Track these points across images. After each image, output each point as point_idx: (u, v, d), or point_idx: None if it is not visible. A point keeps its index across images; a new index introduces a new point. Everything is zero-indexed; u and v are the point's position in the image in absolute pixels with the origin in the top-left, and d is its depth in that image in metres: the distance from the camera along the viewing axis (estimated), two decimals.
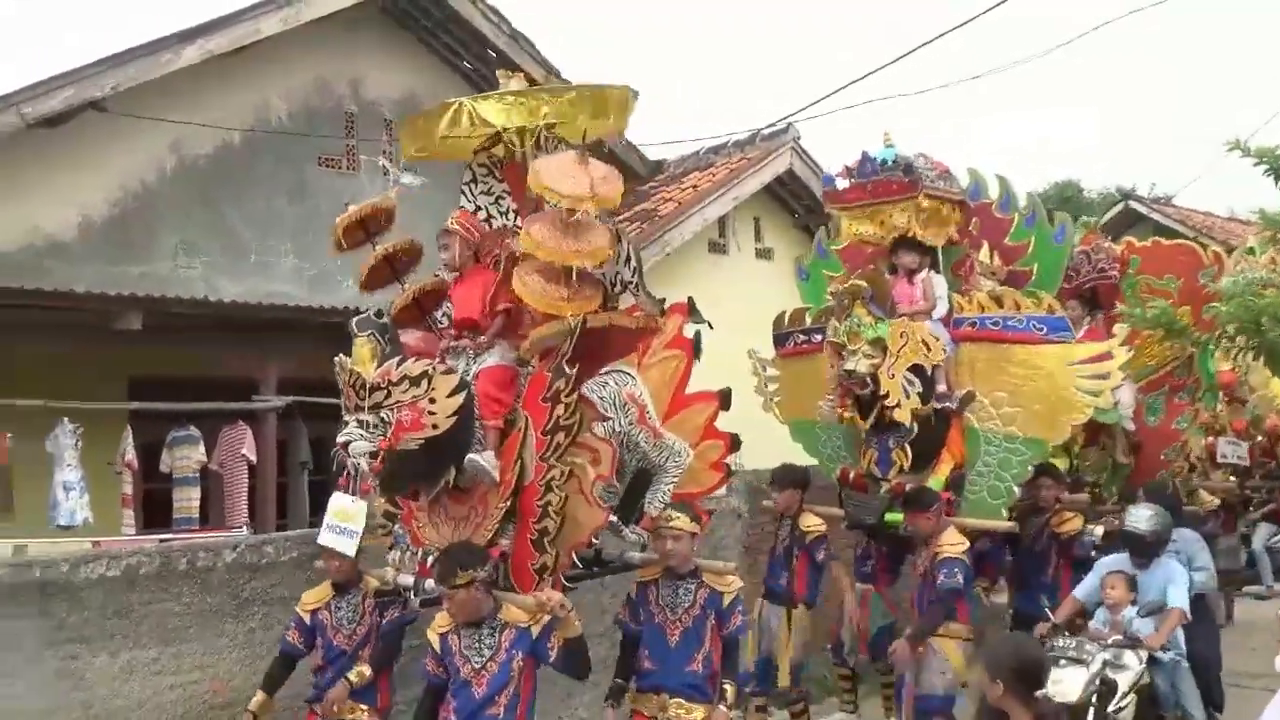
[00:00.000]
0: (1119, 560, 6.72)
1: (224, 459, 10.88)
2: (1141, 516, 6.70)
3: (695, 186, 13.47)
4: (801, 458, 8.04)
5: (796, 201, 14.24)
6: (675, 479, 5.81)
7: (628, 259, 5.57)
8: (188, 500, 10.56)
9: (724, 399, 6.26)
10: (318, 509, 11.15)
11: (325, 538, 5.89)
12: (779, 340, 8.27)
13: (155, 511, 11.00)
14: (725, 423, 6.26)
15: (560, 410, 5.09)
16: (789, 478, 7.51)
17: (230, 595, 6.57)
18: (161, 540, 8.24)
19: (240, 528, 10.34)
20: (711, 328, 6.16)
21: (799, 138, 13.82)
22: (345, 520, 5.81)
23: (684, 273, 12.82)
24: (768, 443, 7.97)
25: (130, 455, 10.30)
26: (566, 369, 5.12)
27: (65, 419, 9.74)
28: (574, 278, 5.25)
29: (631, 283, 5.60)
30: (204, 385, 10.66)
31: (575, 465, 5.21)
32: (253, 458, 10.76)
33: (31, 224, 10.71)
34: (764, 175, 13.66)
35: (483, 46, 12.94)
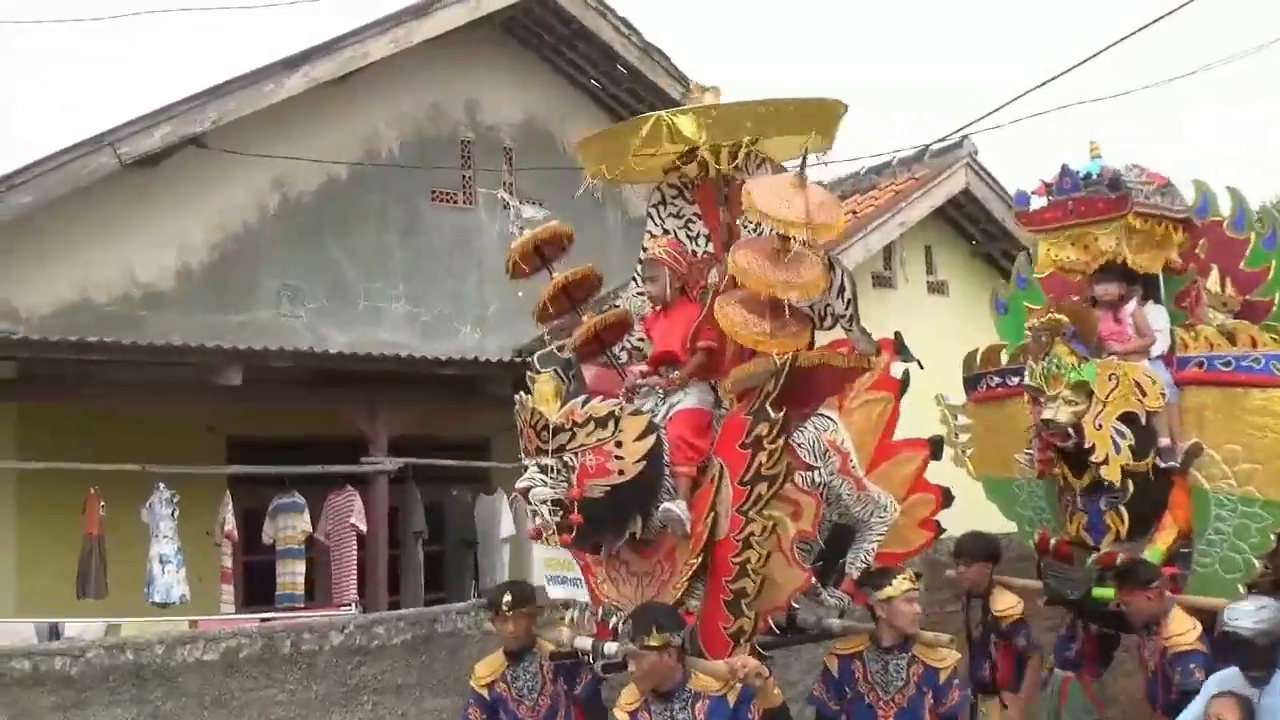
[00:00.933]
0: (1229, 678, 5.56)
1: (331, 528, 10.95)
2: (1244, 613, 5.48)
3: (855, 211, 13.39)
4: (996, 519, 7.83)
5: (974, 226, 13.99)
6: (880, 536, 5.87)
7: (841, 290, 5.61)
8: (291, 575, 10.65)
9: (935, 448, 6.28)
10: (434, 584, 11.59)
11: (555, 592, 5.99)
12: (970, 383, 8.05)
13: (256, 587, 11.11)
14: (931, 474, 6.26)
15: (763, 458, 5.17)
16: (978, 549, 7.29)
17: (338, 682, 6.64)
18: (263, 620, 8.38)
19: (348, 605, 10.39)
20: (922, 366, 6.17)
21: (975, 152, 13.57)
22: (562, 569, 5.90)
23: None
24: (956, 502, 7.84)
25: (230, 525, 10.44)
26: (771, 412, 5.17)
27: (161, 484, 9.93)
28: (782, 311, 5.34)
29: (844, 316, 5.62)
30: (308, 446, 10.77)
31: (775, 519, 5.28)
32: (362, 527, 10.78)
33: (127, 272, 11.17)
34: (935, 197, 13.44)
35: (611, 62, 13.17)
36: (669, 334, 5.79)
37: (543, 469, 5.18)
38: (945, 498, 6.29)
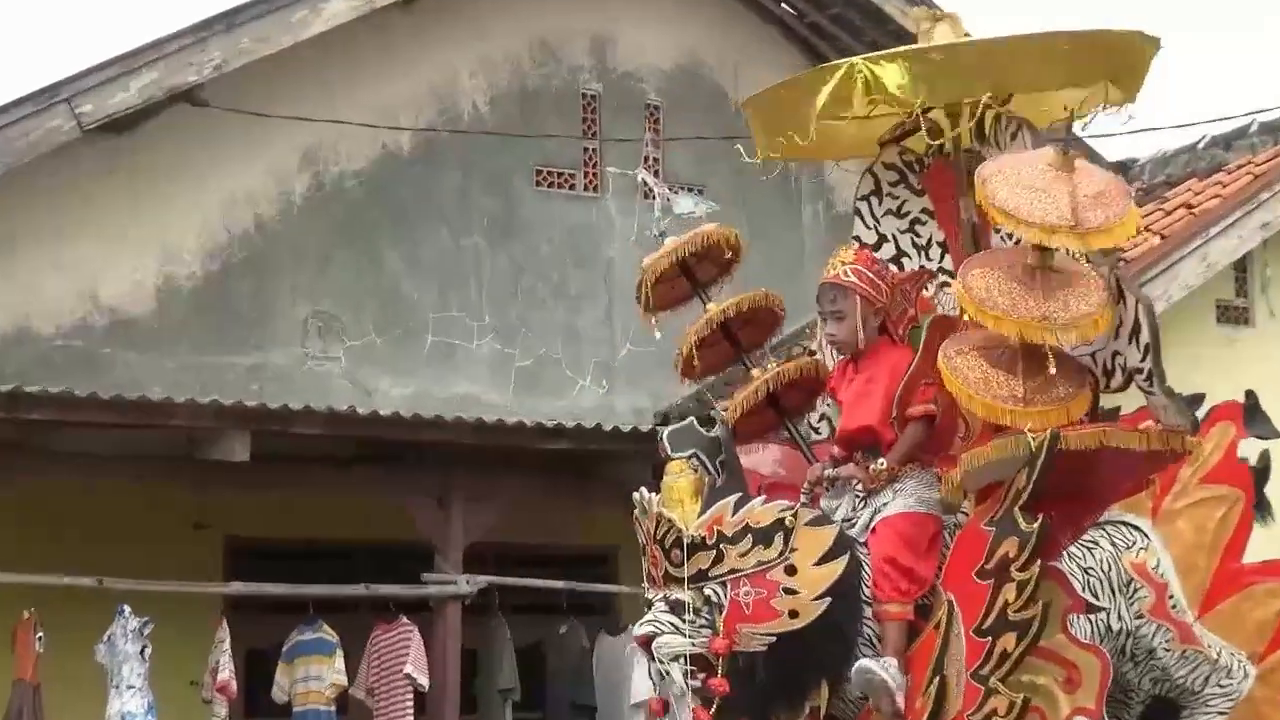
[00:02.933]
0: None
1: (376, 681, 10.90)
2: None
3: (1189, 206, 12.98)
4: None
5: None
6: (1224, 714, 5.84)
7: (1135, 329, 5.46)
8: None
9: None
10: None
11: None
12: None
13: None
14: None
15: (1009, 593, 5.18)
16: None
17: None
18: None
19: None
20: None
21: None
22: None
23: (1173, 359, 12.09)
24: None
25: (226, 672, 10.33)
26: (1022, 521, 5.17)
27: (126, 609, 9.92)
28: (1044, 364, 5.33)
29: (1140, 371, 5.48)
30: (345, 556, 10.95)
31: (1036, 689, 5.28)
32: (422, 680, 10.74)
33: (85, 289, 11.09)
34: None
35: None
36: (864, 400, 5.80)
37: (673, 607, 5.25)
38: None
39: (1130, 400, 5.70)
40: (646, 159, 12.52)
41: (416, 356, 12.09)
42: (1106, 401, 5.75)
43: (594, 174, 12.84)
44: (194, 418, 9.79)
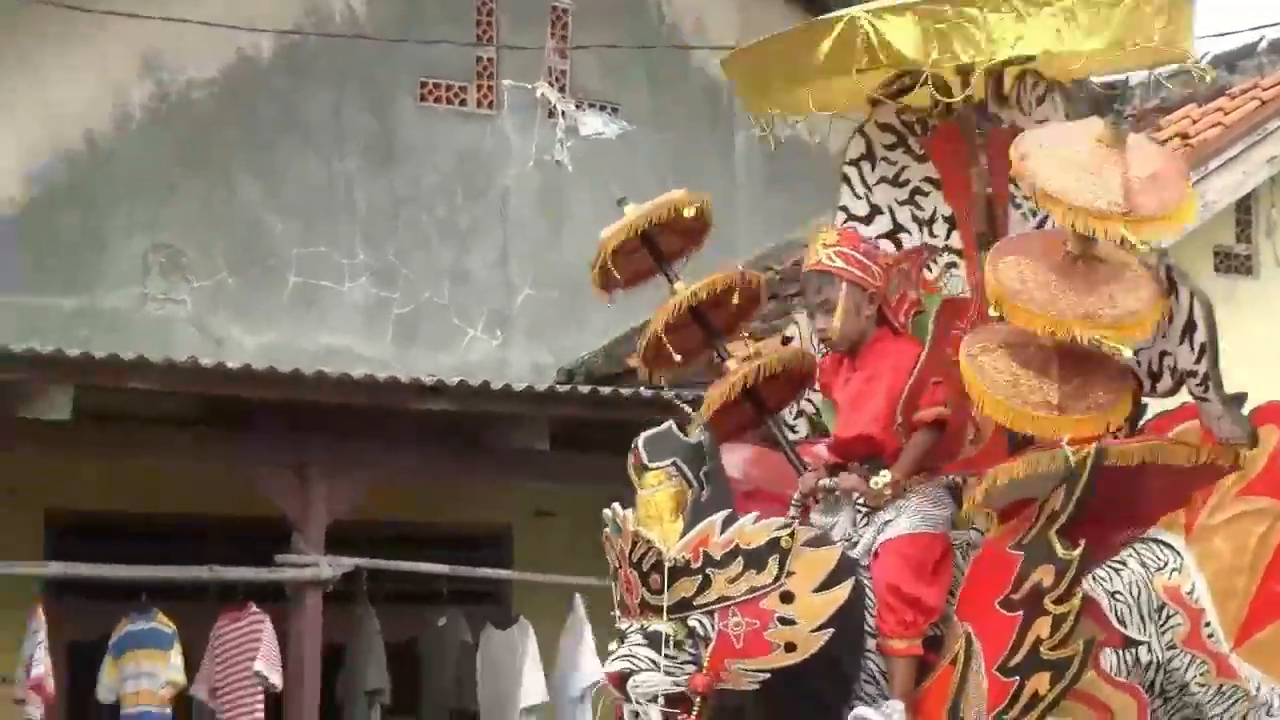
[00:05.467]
0: None
1: (221, 679, 10.76)
2: None
3: (1185, 136, 13.00)
4: None
5: None
6: None
7: (1188, 328, 5.48)
8: None
9: None
10: None
11: None
12: None
13: None
14: None
15: (1043, 628, 5.24)
16: None
17: None
18: None
19: None
20: None
21: None
22: None
23: None
24: None
25: (41, 668, 10.16)
26: (1060, 548, 5.20)
27: None
28: (1084, 366, 5.38)
29: (1195, 374, 5.51)
30: (186, 533, 11.06)
31: None
32: (275, 678, 10.62)
33: None
34: None
35: None
36: (864, 402, 5.82)
37: (651, 639, 5.25)
38: None
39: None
40: (550, 71, 12.65)
41: (276, 300, 12.07)
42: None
43: (488, 88, 12.79)
44: (6, 368, 9.59)
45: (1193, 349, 5.51)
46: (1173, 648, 5.69)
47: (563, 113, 12.42)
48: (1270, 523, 6.07)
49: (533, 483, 11.36)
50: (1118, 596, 5.61)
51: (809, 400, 6.25)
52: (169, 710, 10.52)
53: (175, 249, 11.76)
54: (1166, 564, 5.79)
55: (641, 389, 10.47)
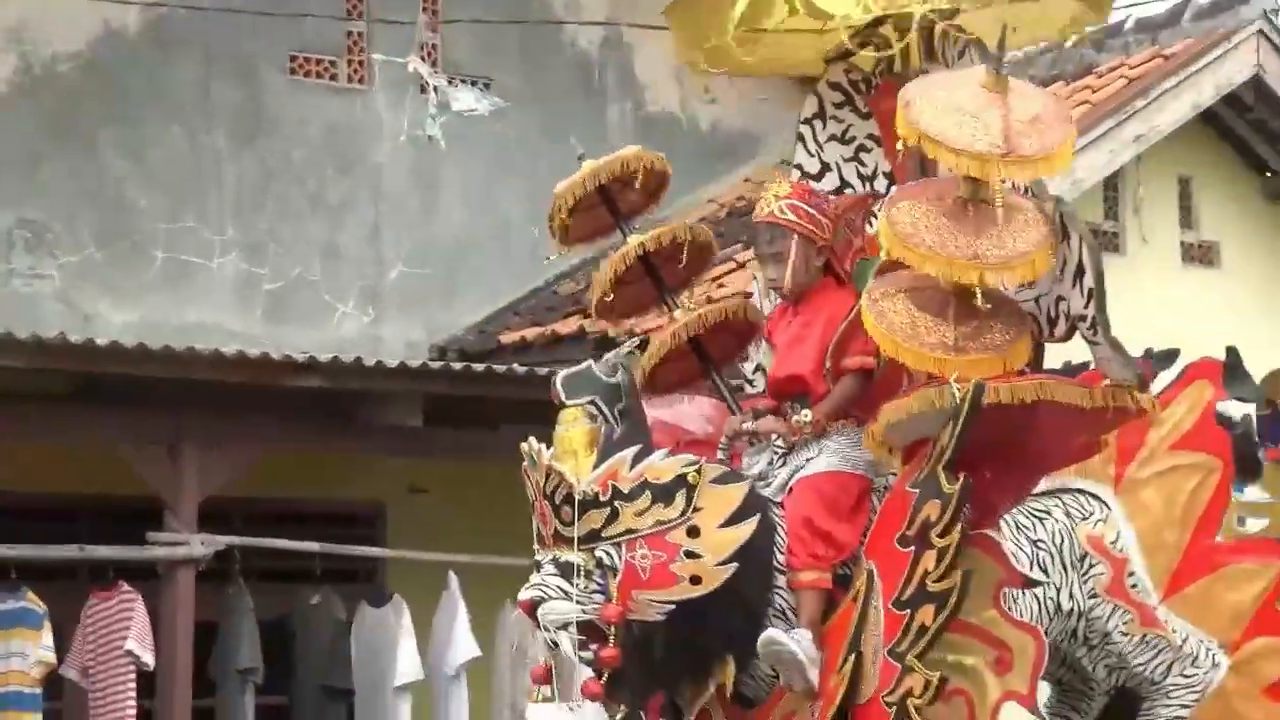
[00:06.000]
0: None
1: (92, 659, 10.72)
2: None
3: None
4: None
5: (1270, 145, 13.90)
6: (1186, 711, 6.01)
7: (1079, 273, 5.59)
8: None
9: None
10: None
11: None
12: (1272, 428, 8.44)
13: None
14: None
15: (930, 562, 5.36)
16: None
17: None
18: None
19: None
20: (1274, 407, 6.79)
21: (1276, 11, 13.51)
22: None
23: None
24: None
25: None
26: (945, 483, 5.32)
27: None
28: (977, 308, 5.47)
29: (1085, 318, 5.62)
30: (56, 512, 11.02)
31: (962, 670, 5.49)
32: (147, 657, 10.57)
33: None
34: (1200, 90, 13.29)
35: None
36: (798, 346, 5.98)
37: (562, 569, 5.46)
38: None
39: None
40: (422, 46, 12.65)
41: (144, 276, 11.97)
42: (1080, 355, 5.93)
43: (359, 63, 12.80)
44: None
45: (1082, 294, 5.63)
46: (1094, 596, 5.86)
47: (435, 88, 12.42)
48: (1202, 477, 6.27)
49: (406, 459, 11.39)
50: (1040, 544, 5.79)
51: (766, 353, 6.33)
52: (39, 690, 10.44)
53: (40, 223, 11.70)
54: (1092, 514, 5.97)
55: (515, 365, 10.68)
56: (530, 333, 12.14)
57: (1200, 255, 13.91)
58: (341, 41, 12.78)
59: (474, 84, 12.42)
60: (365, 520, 12.36)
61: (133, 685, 10.58)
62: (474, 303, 12.61)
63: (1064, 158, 5.56)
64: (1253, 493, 8.38)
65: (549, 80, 12.30)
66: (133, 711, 10.59)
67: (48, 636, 10.45)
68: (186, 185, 12.21)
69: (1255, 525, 8.22)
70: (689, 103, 13.50)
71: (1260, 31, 13.33)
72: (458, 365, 10.99)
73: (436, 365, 11.08)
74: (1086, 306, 5.61)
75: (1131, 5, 14.11)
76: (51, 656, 10.46)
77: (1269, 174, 14.07)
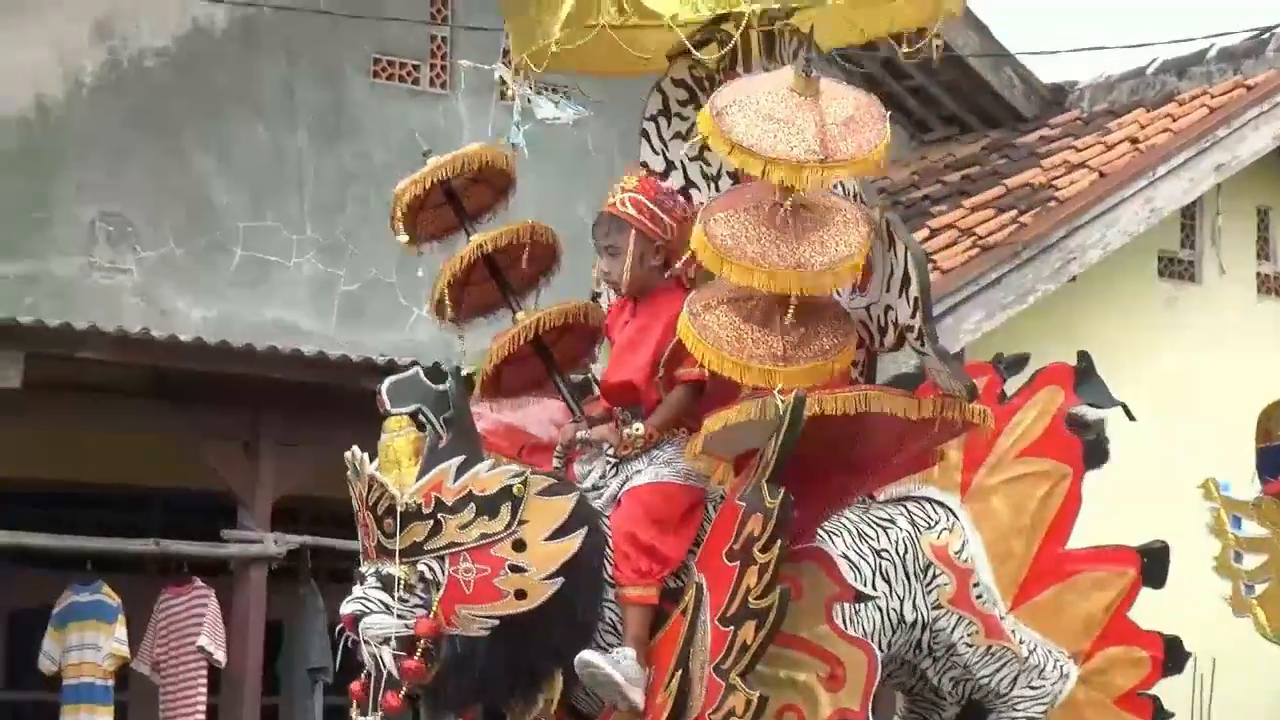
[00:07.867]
0: None
1: (163, 653, 10.91)
2: None
3: (1135, 141, 13.14)
4: None
5: None
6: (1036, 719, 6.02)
7: (904, 281, 5.55)
8: None
9: (1151, 564, 6.30)
10: None
11: None
12: (1268, 461, 8.33)
13: None
14: (1151, 614, 6.31)
15: (752, 579, 5.32)
16: None
17: None
18: None
19: None
20: (1132, 418, 6.29)
21: None
22: None
23: (1104, 314, 12.56)
24: (1236, 667, 8.28)
25: None
26: (769, 496, 5.29)
27: None
28: (804, 316, 5.43)
29: (912, 328, 5.59)
30: (133, 505, 10.95)
31: (794, 686, 5.50)
32: (218, 654, 10.76)
33: None
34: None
35: None
36: (632, 351, 5.88)
37: (385, 583, 5.39)
38: (1171, 656, 6.30)
39: None
40: (506, 52, 12.58)
41: (223, 273, 12.05)
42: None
43: (442, 67, 12.86)
44: None
45: (909, 303, 5.60)
46: (939, 607, 5.84)
47: (517, 96, 12.39)
48: (1051, 485, 6.26)
49: None
50: (883, 554, 5.77)
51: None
52: (111, 683, 10.68)
53: (122, 218, 11.77)
54: (937, 523, 5.94)
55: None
56: None
57: (1277, 286, 13.91)
58: (425, 46, 12.90)
59: (559, 92, 12.49)
60: None
61: (204, 681, 10.83)
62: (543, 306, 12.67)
63: (874, 161, 5.52)
64: (1250, 528, 8.48)
65: (626, 88, 12.45)
66: (204, 707, 10.85)
67: (121, 630, 10.70)
68: (267, 184, 12.29)
69: (1253, 561, 8.38)
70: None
71: None
72: None
73: None
74: (913, 316, 5.60)
75: (1216, 35, 14.04)
76: (125, 650, 10.71)
77: None
